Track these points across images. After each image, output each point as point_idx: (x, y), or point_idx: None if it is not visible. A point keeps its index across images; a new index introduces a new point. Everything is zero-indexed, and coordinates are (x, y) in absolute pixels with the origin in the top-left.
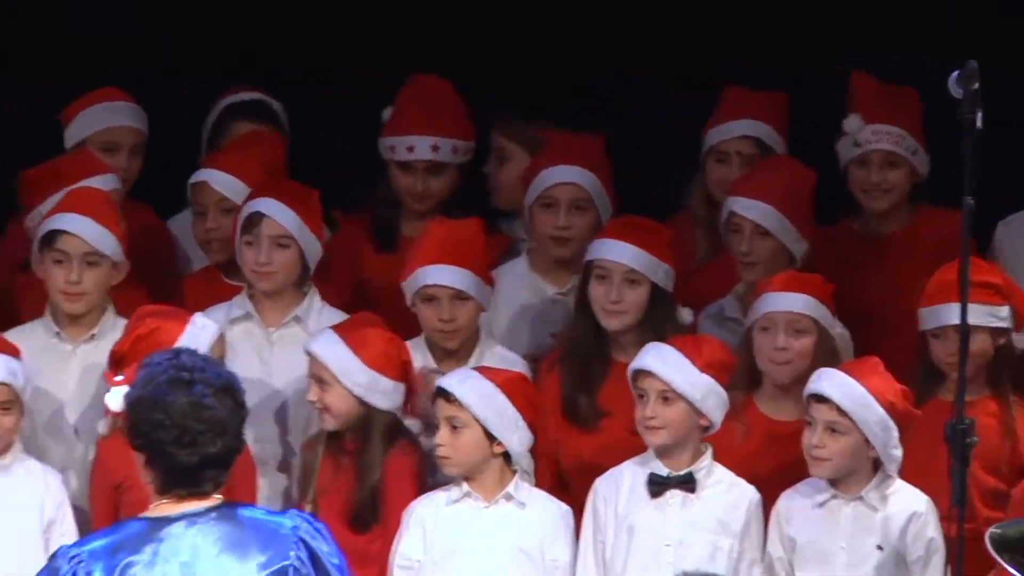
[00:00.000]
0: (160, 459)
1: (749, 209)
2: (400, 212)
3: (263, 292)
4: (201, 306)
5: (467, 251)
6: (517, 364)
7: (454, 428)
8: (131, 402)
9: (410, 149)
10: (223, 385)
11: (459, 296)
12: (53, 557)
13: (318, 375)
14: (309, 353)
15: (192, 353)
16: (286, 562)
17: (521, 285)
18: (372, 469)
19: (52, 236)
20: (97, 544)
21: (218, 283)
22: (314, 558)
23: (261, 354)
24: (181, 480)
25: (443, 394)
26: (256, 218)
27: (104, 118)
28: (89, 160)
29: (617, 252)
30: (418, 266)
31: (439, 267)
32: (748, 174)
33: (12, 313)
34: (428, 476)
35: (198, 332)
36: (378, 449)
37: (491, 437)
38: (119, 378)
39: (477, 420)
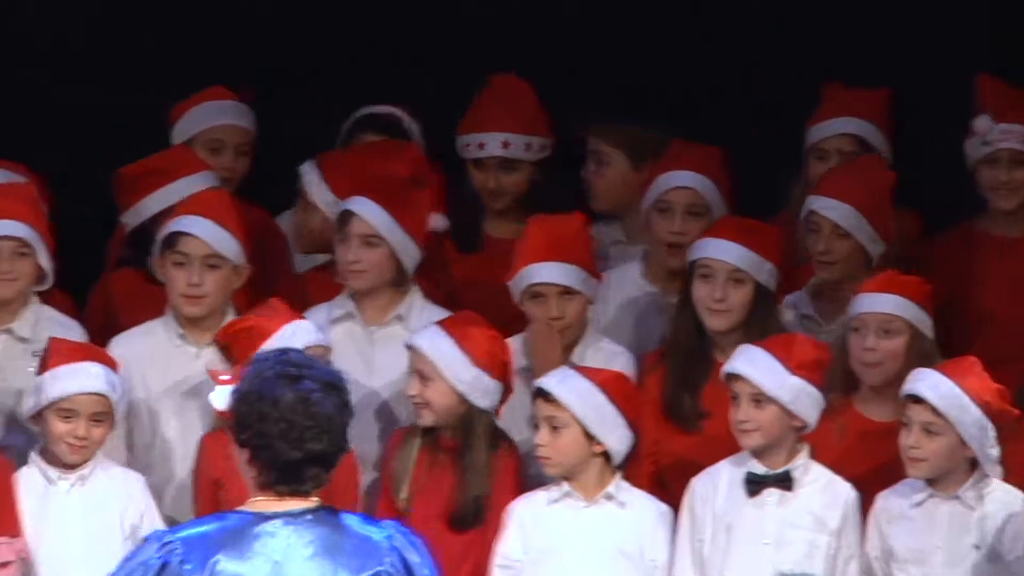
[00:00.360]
0: (264, 453)
1: (829, 209)
2: (482, 212)
3: (356, 290)
4: (318, 302)
5: (571, 246)
6: (622, 355)
7: (554, 428)
8: (238, 397)
9: (481, 146)
10: (330, 382)
11: (566, 292)
12: (145, 540)
13: (420, 369)
14: (412, 347)
15: (300, 352)
16: (380, 568)
17: (632, 290)
18: (479, 473)
19: (173, 238)
20: (192, 532)
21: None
22: (408, 569)
23: (363, 353)
24: (283, 476)
25: (542, 394)
26: (346, 216)
27: (211, 116)
28: (187, 157)
29: (722, 251)
30: (523, 265)
31: (544, 264)
32: (829, 173)
33: (109, 312)
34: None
35: (290, 334)
36: (483, 452)
37: (591, 436)
38: (225, 377)
39: (577, 420)
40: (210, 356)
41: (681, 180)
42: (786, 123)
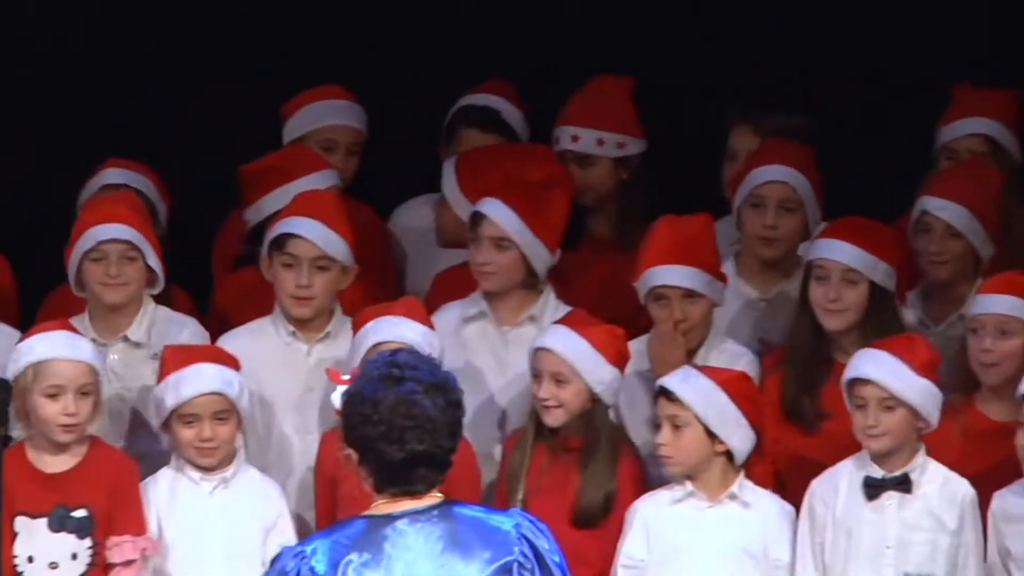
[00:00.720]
0: (369, 455)
1: (941, 209)
2: (587, 209)
3: (487, 291)
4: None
5: (697, 248)
6: (745, 356)
7: (676, 427)
8: (346, 399)
9: (556, 140)
10: (435, 384)
11: (690, 295)
12: (277, 557)
13: (556, 371)
14: (546, 349)
15: (412, 353)
16: (510, 557)
17: (728, 288)
18: (605, 471)
19: (283, 239)
20: (319, 543)
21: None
22: (537, 555)
23: (496, 352)
24: (391, 478)
25: (664, 393)
26: (477, 218)
27: (323, 115)
28: (308, 156)
29: (835, 251)
30: (648, 266)
31: (669, 267)
32: (941, 174)
33: (231, 310)
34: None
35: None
36: (609, 449)
37: (712, 436)
38: (345, 376)
39: (698, 419)
40: (320, 354)
41: (774, 175)
42: (918, 124)
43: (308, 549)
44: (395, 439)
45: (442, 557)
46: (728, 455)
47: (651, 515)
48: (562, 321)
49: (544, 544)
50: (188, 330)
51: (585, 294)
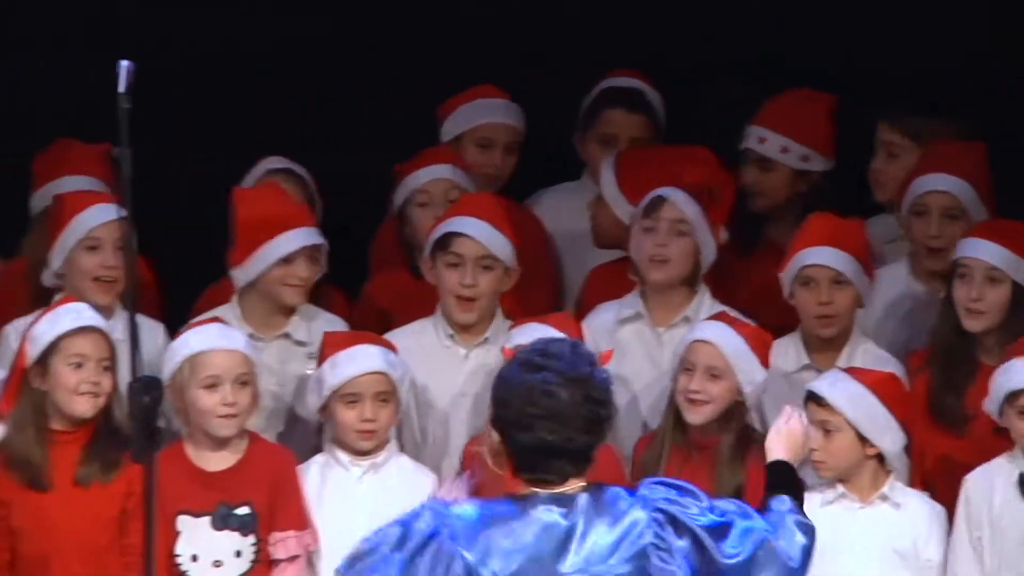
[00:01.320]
0: (505, 438)
1: None
2: (766, 216)
3: (653, 282)
4: (604, 299)
5: (851, 237)
6: (889, 363)
7: (827, 432)
8: (494, 381)
9: (744, 138)
10: (575, 377)
11: (838, 280)
12: (418, 511)
13: (710, 364)
14: (705, 342)
15: (568, 344)
16: (645, 541)
17: (900, 287)
18: (735, 464)
19: (447, 239)
20: (462, 511)
21: (623, 277)
22: (674, 521)
23: (651, 355)
24: (524, 463)
25: (814, 398)
26: (656, 203)
27: (480, 114)
28: (451, 157)
29: (979, 250)
30: (798, 250)
31: (820, 248)
32: None
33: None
34: None
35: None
36: (742, 449)
37: (863, 439)
38: None
39: (849, 423)
40: (478, 358)
41: (937, 184)
42: None
43: (453, 515)
44: (524, 426)
45: (579, 542)
46: (879, 457)
47: None
48: (716, 318)
49: (688, 509)
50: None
51: (746, 301)
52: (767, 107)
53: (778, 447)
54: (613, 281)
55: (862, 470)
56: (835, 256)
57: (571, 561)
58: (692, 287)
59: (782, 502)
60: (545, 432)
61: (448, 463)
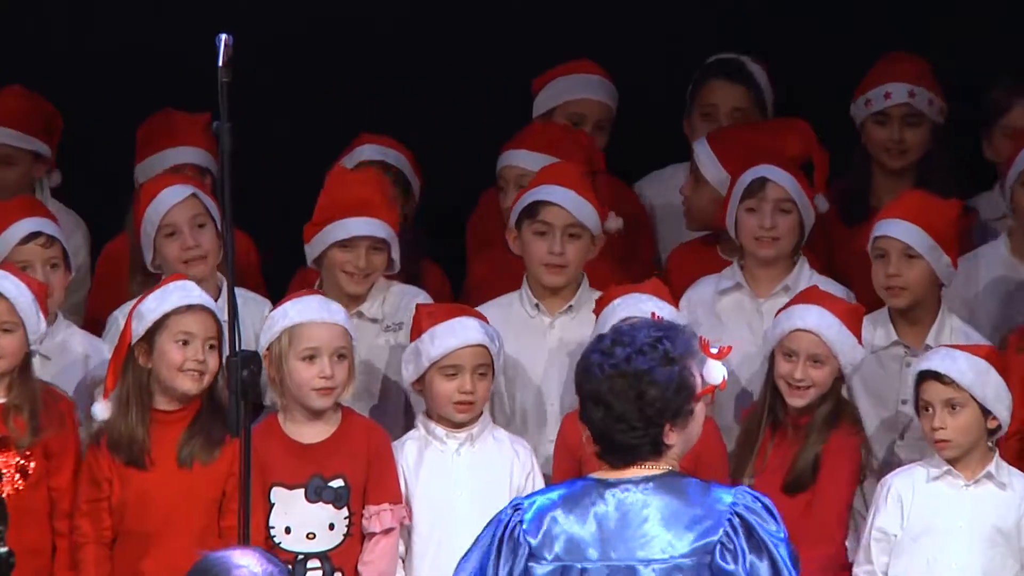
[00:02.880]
0: (584, 419)
1: None
2: (870, 183)
3: (761, 260)
4: (685, 278)
5: (935, 215)
6: (978, 340)
7: (952, 409)
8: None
9: (887, 96)
10: (626, 371)
11: (908, 253)
12: (506, 506)
13: (813, 352)
14: (804, 330)
15: (652, 333)
16: (713, 538)
17: (999, 266)
18: (818, 438)
19: (535, 208)
20: (542, 497)
21: (703, 254)
22: (749, 532)
23: (751, 324)
24: (596, 442)
25: (933, 376)
26: (759, 183)
27: (572, 89)
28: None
29: None
30: (877, 222)
31: (894, 221)
32: None
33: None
34: None
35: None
36: (829, 418)
37: (986, 413)
38: (713, 350)
39: (974, 399)
40: (562, 328)
41: None
42: None
43: (527, 503)
44: (582, 403)
45: (646, 527)
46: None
47: (906, 490)
48: (807, 299)
49: (769, 525)
50: (420, 299)
51: (850, 269)
52: (897, 64)
53: None
54: (692, 260)
55: (976, 447)
56: (907, 230)
57: (633, 547)
58: (792, 257)
59: None
60: (593, 412)
61: (537, 433)
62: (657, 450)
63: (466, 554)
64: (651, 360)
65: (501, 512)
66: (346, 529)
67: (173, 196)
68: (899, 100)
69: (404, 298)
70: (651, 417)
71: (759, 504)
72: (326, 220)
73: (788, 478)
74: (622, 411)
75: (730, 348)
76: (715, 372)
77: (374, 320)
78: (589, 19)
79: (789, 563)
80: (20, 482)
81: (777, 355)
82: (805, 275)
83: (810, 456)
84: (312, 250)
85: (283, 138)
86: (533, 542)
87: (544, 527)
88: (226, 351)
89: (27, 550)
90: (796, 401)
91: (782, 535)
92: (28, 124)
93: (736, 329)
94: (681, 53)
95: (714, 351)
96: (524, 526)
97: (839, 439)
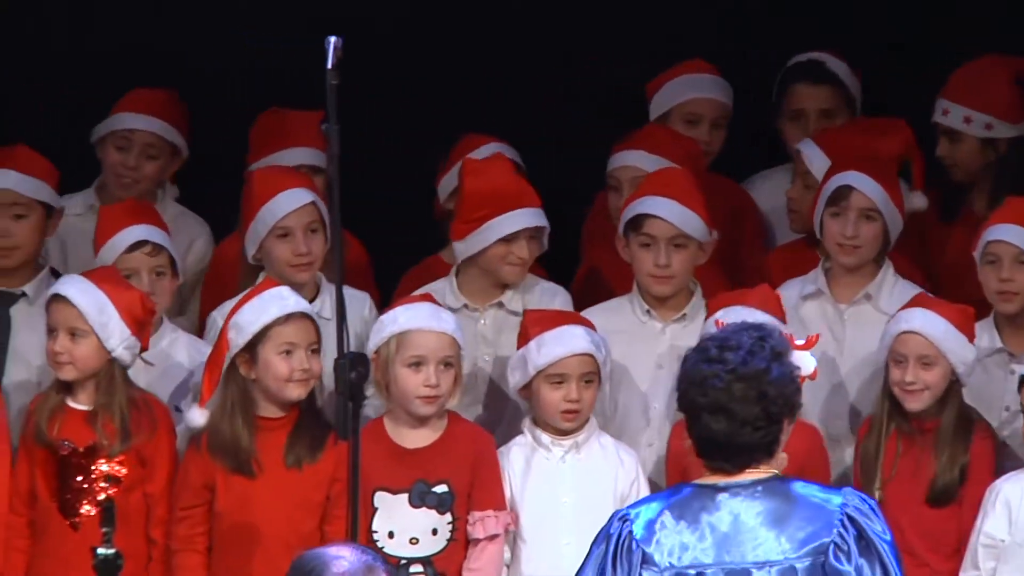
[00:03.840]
0: (687, 424)
1: None
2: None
3: (844, 266)
4: (784, 280)
5: None
6: None
7: None
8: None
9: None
10: (747, 374)
11: (1021, 259)
12: (610, 520)
13: (922, 354)
14: (911, 332)
15: (754, 333)
16: (827, 539)
17: None
18: (959, 449)
19: (639, 220)
20: (646, 505)
21: (805, 255)
22: (860, 535)
23: (833, 331)
24: (703, 451)
25: None
26: (844, 191)
27: (688, 89)
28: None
29: None
30: (987, 228)
31: (1006, 226)
32: None
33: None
34: None
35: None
36: (963, 429)
37: None
38: (799, 342)
39: None
40: (674, 334)
41: None
42: None
43: (633, 513)
44: (693, 416)
45: (756, 531)
46: None
47: (1015, 496)
48: (916, 304)
49: (874, 525)
50: (560, 298)
51: (944, 269)
52: (952, 78)
53: None
54: (793, 260)
55: None
56: (1020, 234)
57: (746, 550)
58: (877, 263)
59: None
60: (711, 422)
61: (646, 439)
62: (771, 450)
63: (580, 572)
64: (764, 359)
65: (609, 527)
66: (449, 534)
67: (293, 201)
68: (936, 118)
69: (544, 295)
70: (773, 415)
71: (867, 505)
72: (484, 217)
73: (934, 490)
74: (745, 415)
75: (817, 336)
76: (807, 363)
77: (515, 313)
78: (703, 20)
79: (897, 566)
80: (111, 489)
81: (889, 363)
82: (889, 282)
83: (955, 468)
84: (469, 247)
85: (388, 140)
86: (647, 550)
87: (656, 535)
88: (328, 349)
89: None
90: (913, 405)
91: (888, 537)
92: (173, 120)
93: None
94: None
95: (800, 342)
96: (636, 535)
97: (979, 447)
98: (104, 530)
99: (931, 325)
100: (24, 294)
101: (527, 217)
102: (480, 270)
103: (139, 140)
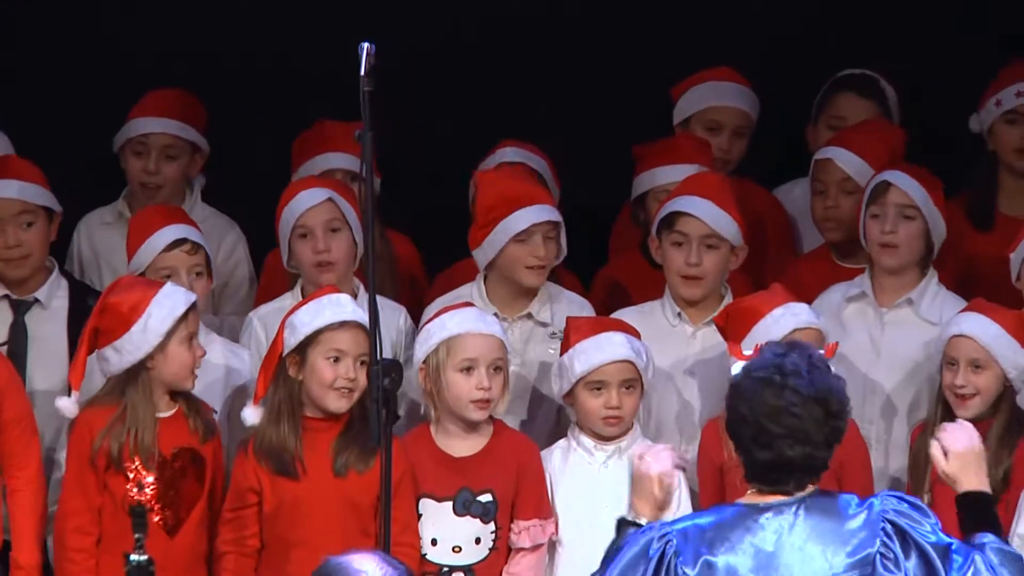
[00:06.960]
0: (741, 450)
1: None
2: (995, 190)
3: (885, 268)
4: (811, 288)
5: None
6: None
7: None
8: (730, 390)
9: (1019, 94)
10: (816, 396)
11: None
12: (649, 527)
13: (973, 357)
14: (962, 336)
15: (801, 355)
16: (871, 550)
17: None
18: (1004, 452)
19: (672, 218)
20: (688, 524)
21: (830, 264)
22: (903, 537)
23: (872, 333)
24: (760, 474)
25: None
26: (883, 187)
27: (710, 97)
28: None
29: None
30: None
31: None
32: None
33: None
34: None
35: (779, 316)
36: (1011, 433)
37: None
38: (747, 352)
39: None
40: (705, 338)
41: None
42: None
43: (675, 531)
44: (765, 443)
45: (803, 550)
46: None
47: None
48: (971, 308)
49: (922, 526)
50: (587, 312)
51: (981, 275)
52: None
53: (965, 474)
54: (813, 269)
55: None
56: None
57: (793, 569)
58: (923, 269)
59: (987, 537)
60: (787, 450)
61: (677, 441)
62: (825, 469)
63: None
64: (822, 375)
65: (648, 541)
66: (492, 543)
67: (310, 199)
68: (1010, 105)
69: (572, 307)
70: (840, 429)
71: (905, 504)
72: (495, 219)
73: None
74: (821, 436)
75: (836, 344)
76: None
77: (543, 324)
78: (733, 25)
79: (940, 562)
80: (140, 496)
81: (943, 367)
82: (932, 290)
83: (999, 472)
84: (486, 252)
85: (423, 145)
86: (691, 572)
87: (700, 557)
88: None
89: None
90: (964, 412)
91: (934, 538)
92: (188, 118)
93: (858, 336)
94: (816, 61)
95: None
96: (679, 557)
97: (1021, 450)
98: (136, 536)
99: (982, 329)
100: (37, 300)
101: (537, 213)
102: (502, 276)
103: (155, 143)
